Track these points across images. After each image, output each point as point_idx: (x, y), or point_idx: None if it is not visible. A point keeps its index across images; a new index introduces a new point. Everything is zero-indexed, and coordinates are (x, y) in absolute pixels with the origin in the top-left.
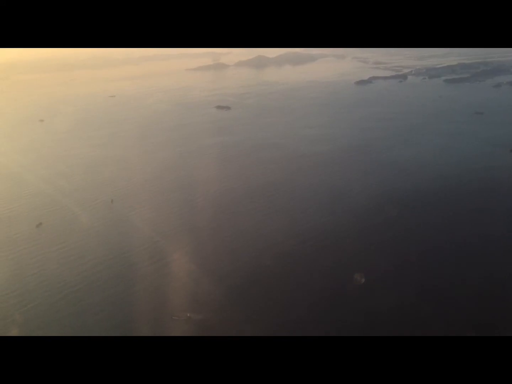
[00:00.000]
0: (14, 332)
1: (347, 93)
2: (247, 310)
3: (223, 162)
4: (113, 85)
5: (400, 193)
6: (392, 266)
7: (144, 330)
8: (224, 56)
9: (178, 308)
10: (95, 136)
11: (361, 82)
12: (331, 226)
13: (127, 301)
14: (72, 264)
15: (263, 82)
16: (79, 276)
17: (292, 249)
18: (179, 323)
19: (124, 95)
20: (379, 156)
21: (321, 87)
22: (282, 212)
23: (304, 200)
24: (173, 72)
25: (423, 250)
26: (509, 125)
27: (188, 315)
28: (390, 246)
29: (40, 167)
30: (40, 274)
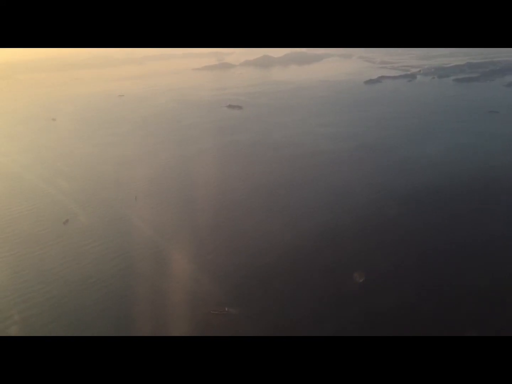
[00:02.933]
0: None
1: (357, 93)
2: (248, 309)
3: (232, 161)
4: (119, 84)
5: (406, 192)
6: (392, 266)
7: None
8: (228, 55)
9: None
10: (111, 135)
11: (370, 82)
12: (333, 226)
13: (157, 298)
14: (103, 259)
15: (271, 82)
16: (110, 271)
17: (293, 248)
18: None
19: (133, 95)
20: (393, 155)
21: (331, 86)
22: (289, 211)
23: (308, 199)
24: (179, 71)
25: (424, 250)
26: None
27: (227, 309)
28: (390, 246)
29: (58, 165)
30: (72, 269)
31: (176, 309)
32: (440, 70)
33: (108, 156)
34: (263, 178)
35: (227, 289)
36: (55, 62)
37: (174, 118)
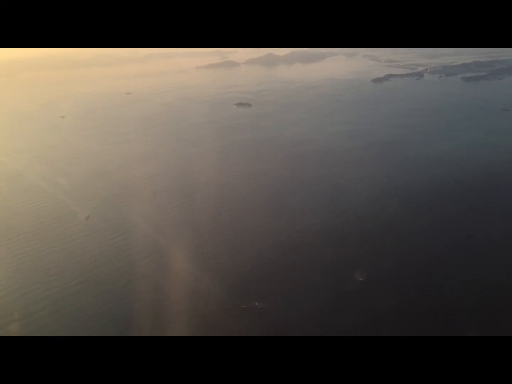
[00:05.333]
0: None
1: (365, 91)
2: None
3: (241, 160)
4: (125, 83)
5: (411, 191)
6: (393, 265)
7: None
8: (232, 54)
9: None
10: (123, 133)
11: (377, 80)
12: (335, 225)
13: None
14: (126, 254)
15: (278, 80)
16: (134, 265)
17: (294, 247)
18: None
19: (140, 93)
20: (403, 153)
21: (338, 85)
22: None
23: (311, 197)
24: (183, 70)
25: (424, 249)
26: None
27: (256, 303)
28: (392, 245)
29: (64, 163)
30: (97, 264)
31: (184, 308)
32: (448, 69)
33: (121, 154)
34: (266, 177)
35: (228, 288)
36: (59, 60)
37: (184, 116)
